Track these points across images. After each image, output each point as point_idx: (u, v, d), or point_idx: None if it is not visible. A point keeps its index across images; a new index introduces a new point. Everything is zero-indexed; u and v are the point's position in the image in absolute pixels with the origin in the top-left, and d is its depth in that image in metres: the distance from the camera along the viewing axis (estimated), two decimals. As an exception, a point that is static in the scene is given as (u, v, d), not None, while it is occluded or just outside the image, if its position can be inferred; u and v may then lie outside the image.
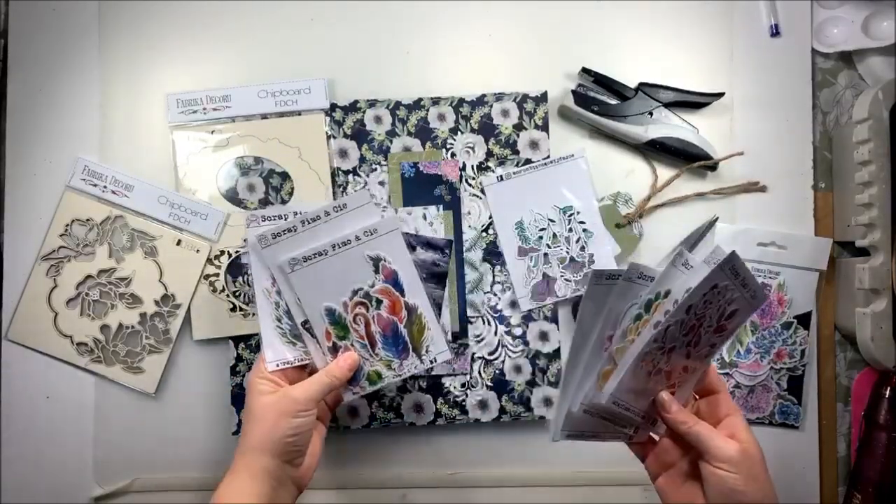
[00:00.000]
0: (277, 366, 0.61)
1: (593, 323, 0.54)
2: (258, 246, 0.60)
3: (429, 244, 0.68)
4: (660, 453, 0.57)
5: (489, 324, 0.74)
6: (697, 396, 0.58)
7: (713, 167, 0.75)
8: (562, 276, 0.74)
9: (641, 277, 0.54)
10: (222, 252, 0.74)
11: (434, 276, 0.71)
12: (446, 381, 0.73)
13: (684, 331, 0.52)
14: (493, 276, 0.74)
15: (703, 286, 0.49)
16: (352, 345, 0.62)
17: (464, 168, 0.74)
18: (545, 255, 0.74)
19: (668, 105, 0.74)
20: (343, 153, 0.75)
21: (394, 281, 0.62)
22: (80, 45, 0.76)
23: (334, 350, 0.61)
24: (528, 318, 0.74)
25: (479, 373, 0.73)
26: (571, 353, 0.55)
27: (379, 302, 0.62)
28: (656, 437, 0.58)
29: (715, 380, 0.57)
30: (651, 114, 0.74)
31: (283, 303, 0.61)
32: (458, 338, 0.73)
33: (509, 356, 0.73)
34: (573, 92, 0.74)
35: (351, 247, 0.61)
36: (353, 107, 0.75)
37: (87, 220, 0.74)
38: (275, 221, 0.62)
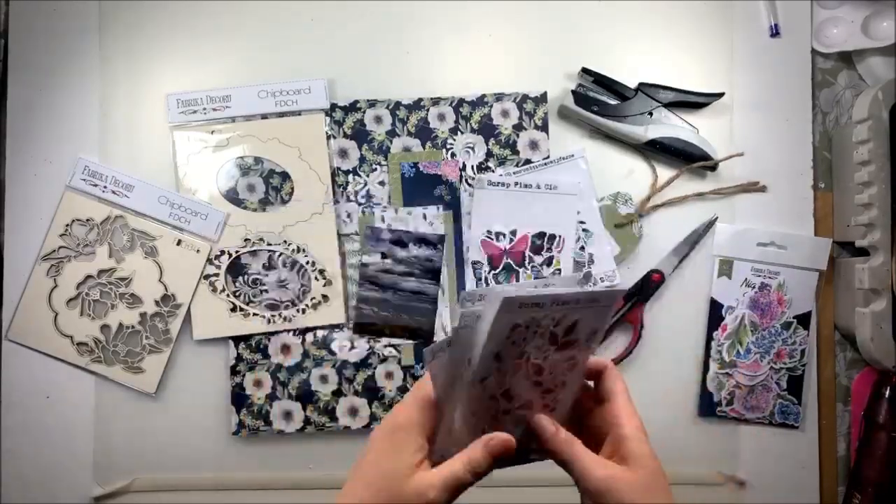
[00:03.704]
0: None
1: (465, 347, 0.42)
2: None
3: (422, 240, 0.67)
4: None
5: (489, 324, 0.74)
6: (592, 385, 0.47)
7: (713, 167, 0.75)
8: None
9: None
10: (222, 252, 0.74)
11: (428, 272, 0.71)
12: (446, 381, 0.73)
13: (510, 374, 0.42)
14: (493, 276, 0.74)
15: (493, 337, 0.39)
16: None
17: (464, 168, 0.74)
18: (545, 255, 0.74)
19: (668, 105, 0.74)
20: (343, 153, 0.75)
21: None
22: (80, 45, 0.76)
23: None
24: (528, 318, 0.74)
25: (479, 373, 0.73)
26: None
27: None
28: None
29: (609, 383, 0.45)
30: (651, 114, 0.74)
31: None
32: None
33: (509, 356, 0.73)
34: (573, 92, 0.74)
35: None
36: (353, 107, 0.75)
37: (88, 220, 0.74)
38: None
